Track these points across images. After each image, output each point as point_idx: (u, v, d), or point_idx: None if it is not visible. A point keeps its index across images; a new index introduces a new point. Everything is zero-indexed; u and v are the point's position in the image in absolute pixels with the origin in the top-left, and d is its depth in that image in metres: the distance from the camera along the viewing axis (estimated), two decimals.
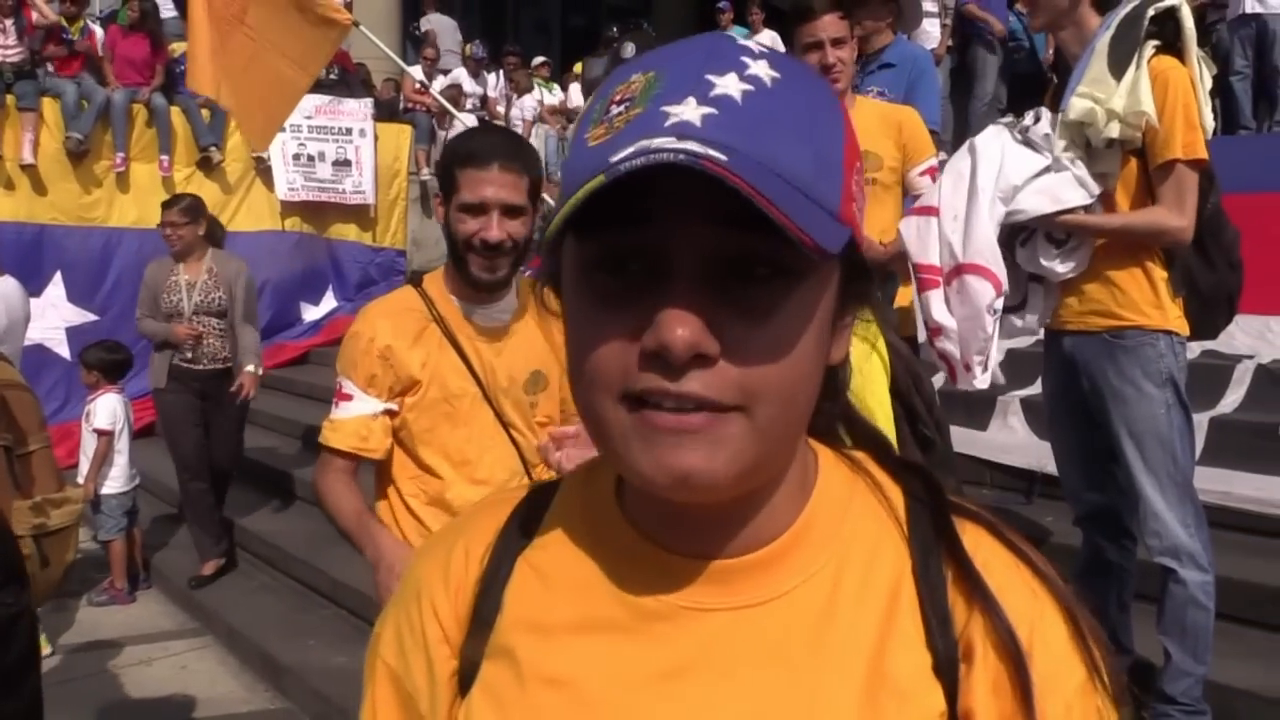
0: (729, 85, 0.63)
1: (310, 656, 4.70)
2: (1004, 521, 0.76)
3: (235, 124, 7.22)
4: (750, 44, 0.67)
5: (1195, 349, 4.95)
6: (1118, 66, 2.81)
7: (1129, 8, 2.86)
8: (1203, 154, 2.80)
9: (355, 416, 2.24)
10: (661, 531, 0.73)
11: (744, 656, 0.70)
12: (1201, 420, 4.37)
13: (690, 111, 0.62)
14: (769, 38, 11.71)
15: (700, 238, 0.63)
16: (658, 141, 0.61)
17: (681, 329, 0.62)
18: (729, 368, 0.63)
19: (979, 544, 0.73)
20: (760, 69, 0.65)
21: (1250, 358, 4.74)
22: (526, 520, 0.80)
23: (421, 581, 0.81)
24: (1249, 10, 7.90)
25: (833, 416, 0.80)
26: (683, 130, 0.61)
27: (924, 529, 0.74)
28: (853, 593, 0.71)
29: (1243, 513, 3.85)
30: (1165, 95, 2.78)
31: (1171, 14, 2.84)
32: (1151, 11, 2.82)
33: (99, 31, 10.07)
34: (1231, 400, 4.56)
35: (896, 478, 0.78)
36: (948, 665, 0.69)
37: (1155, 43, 2.83)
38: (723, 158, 0.59)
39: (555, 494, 0.82)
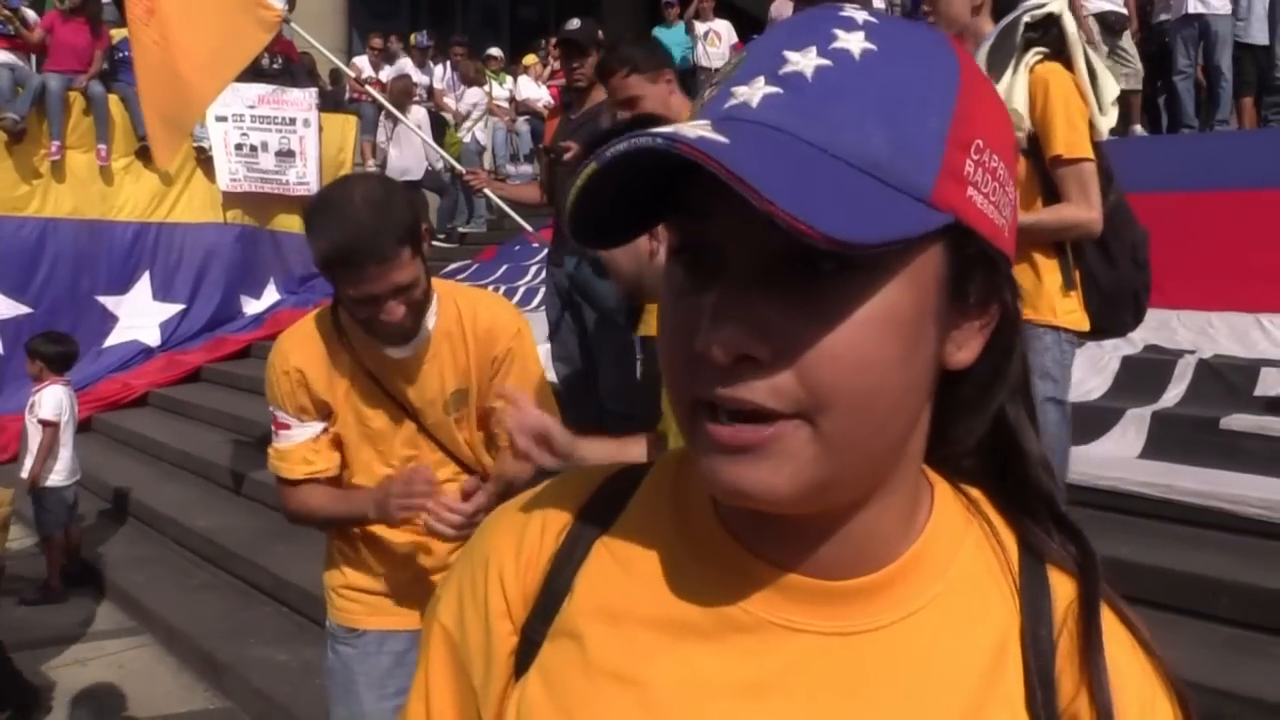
0: (803, 61, 0.60)
1: (251, 654, 4.61)
2: (1116, 595, 0.71)
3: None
4: (859, 15, 0.62)
5: (1139, 344, 5.03)
6: (996, 72, 2.92)
7: (1010, 17, 2.97)
8: (1082, 153, 2.91)
9: (299, 443, 2.24)
10: (756, 538, 0.68)
11: (829, 686, 0.65)
12: (1144, 414, 4.43)
13: (753, 91, 0.60)
14: (724, 27, 11.74)
15: (751, 229, 0.58)
16: (690, 127, 0.57)
17: (723, 329, 0.58)
18: (785, 372, 0.58)
19: None
20: (852, 41, 0.60)
21: (1192, 353, 4.81)
22: (610, 502, 0.75)
23: (491, 550, 0.76)
24: (1192, 10, 8.02)
25: (973, 432, 0.71)
26: (736, 113, 0.59)
27: (1037, 586, 0.68)
28: (954, 640, 0.66)
29: (1184, 505, 3.89)
30: (1046, 97, 2.90)
31: (1055, 20, 2.94)
32: (1027, 18, 2.93)
33: (31, 15, 9.81)
34: (1173, 395, 4.62)
35: (1012, 524, 0.71)
36: None
37: (1041, 50, 2.94)
38: (723, 140, 0.55)
39: (643, 477, 0.77)
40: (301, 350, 2.23)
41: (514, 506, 0.80)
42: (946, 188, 0.60)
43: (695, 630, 0.68)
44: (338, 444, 2.27)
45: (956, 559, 0.69)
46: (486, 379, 2.31)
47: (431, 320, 2.23)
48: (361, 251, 2.00)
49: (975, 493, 0.73)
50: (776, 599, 0.67)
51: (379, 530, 2.26)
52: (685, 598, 0.69)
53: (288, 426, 2.23)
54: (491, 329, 2.29)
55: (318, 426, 2.23)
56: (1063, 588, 0.69)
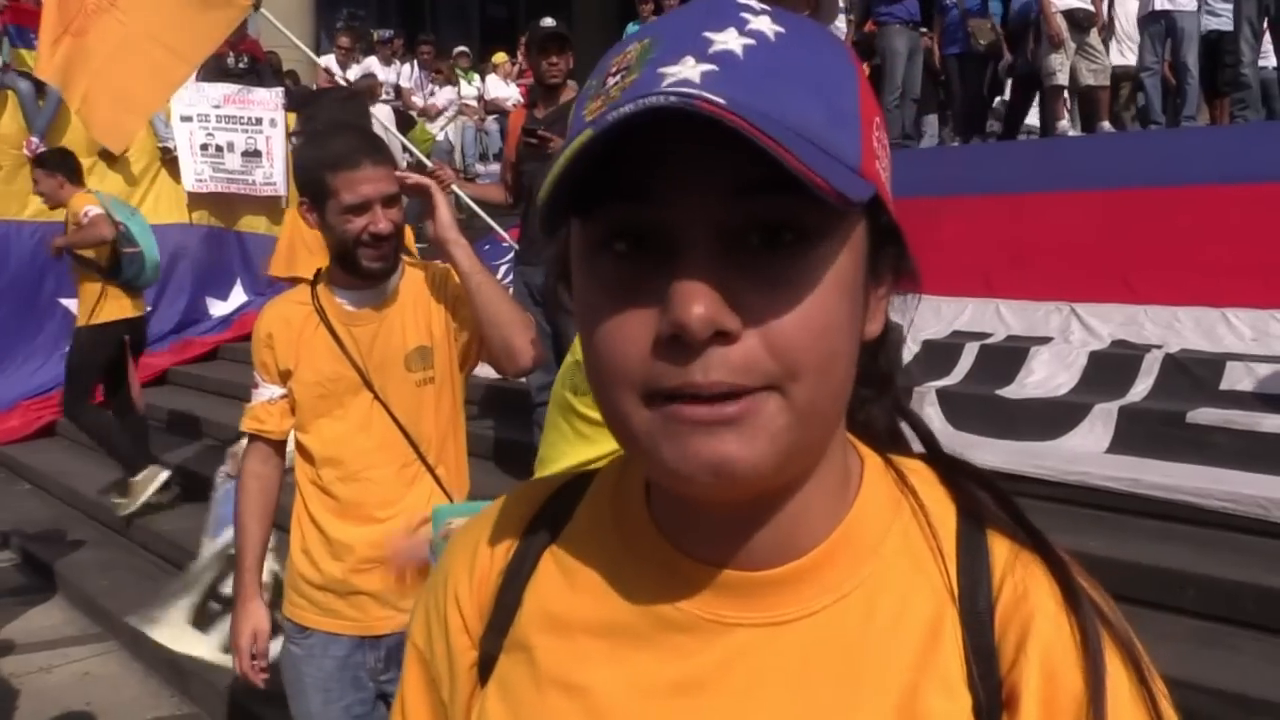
0: (729, 41, 0.60)
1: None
2: (1066, 555, 0.70)
3: (80, 120, 6.30)
4: (752, 1, 0.63)
5: (1106, 339, 5.06)
6: None
7: None
8: None
9: (258, 403, 2.45)
10: (685, 537, 0.69)
11: (765, 677, 0.66)
12: (1111, 409, 4.45)
13: (689, 70, 0.58)
14: None
15: (708, 207, 0.58)
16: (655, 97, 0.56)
17: (697, 305, 0.57)
18: (755, 344, 0.58)
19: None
20: (762, 24, 0.61)
21: (1159, 348, 4.83)
22: (557, 512, 0.77)
23: (450, 569, 0.79)
24: (1158, 7, 8.05)
25: (881, 410, 0.74)
26: (680, 88, 0.57)
27: (974, 554, 0.68)
28: (888, 619, 0.66)
29: (1151, 499, 3.92)
30: None
31: None
32: None
33: None
34: (1140, 389, 4.64)
35: (952, 492, 0.71)
36: (989, 709, 0.64)
37: None
38: (722, 100, 0.55)
39: (590, 486, 0.78)
40: (277, 310, 2.45)
41: (471, 524, 0.82)
42: (868, 162, 0.62)
43: (633, 634, 0.69)
44: (292, 410, 2.43)
45: (889, 535, 0.69)
46: (451, 328, 2.41)
47: (395, 279, 2.41)
48: (352, 151, 2.27)
49: (911, 464, 0.73)
50: (708, 596, 0.67)
51: (330, 525, 2.39)
52: (623, 602, 0.70)
53: (258, 385, 2.46)
54: (446, 272, 2.43)
55: (277, 390, 2.43)
56: (1002, 550, 0.68)
